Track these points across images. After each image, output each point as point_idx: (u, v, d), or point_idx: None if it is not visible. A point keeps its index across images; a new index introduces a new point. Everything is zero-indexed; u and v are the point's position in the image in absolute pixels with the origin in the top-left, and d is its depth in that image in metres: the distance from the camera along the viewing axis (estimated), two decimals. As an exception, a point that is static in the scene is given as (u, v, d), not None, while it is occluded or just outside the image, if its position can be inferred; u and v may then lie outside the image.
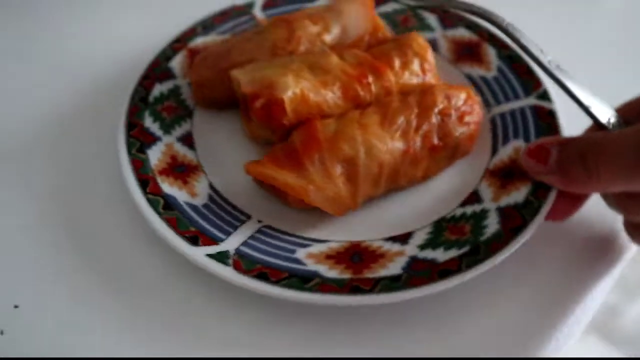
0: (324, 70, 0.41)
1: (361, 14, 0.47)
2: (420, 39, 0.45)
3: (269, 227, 0.39)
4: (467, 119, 0.42)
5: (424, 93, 0.42)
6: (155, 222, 0.37)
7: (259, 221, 0.39)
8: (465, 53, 0.50)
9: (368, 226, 0.39)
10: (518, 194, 0.39)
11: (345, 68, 0.42)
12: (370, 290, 0.34)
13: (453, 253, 0.36)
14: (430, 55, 0.45)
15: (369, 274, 0.35)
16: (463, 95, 0.42)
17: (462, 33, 0.51)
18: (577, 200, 0.39)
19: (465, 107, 0.42)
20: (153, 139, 0.42)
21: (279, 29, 0.45)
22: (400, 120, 0.40)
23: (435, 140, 0.40)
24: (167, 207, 0.38)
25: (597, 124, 0.37)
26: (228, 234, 0.37)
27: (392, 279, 0.34)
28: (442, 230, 0.38)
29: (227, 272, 0.34)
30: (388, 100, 0.41)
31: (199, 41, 0.49)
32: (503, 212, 0.38)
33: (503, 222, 0.37)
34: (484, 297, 0.37)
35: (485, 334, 0.36)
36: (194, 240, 0.36)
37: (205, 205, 0.39)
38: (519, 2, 0.57)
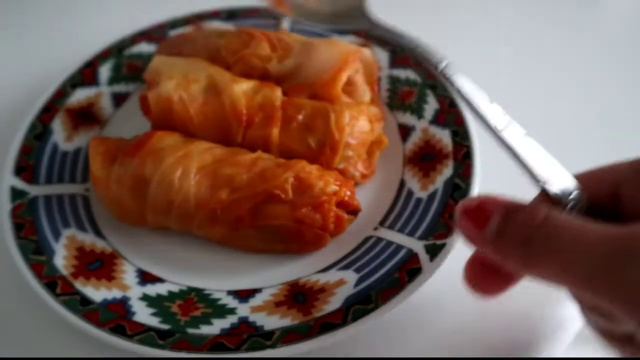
0: (217, 92, 0.39)
1: (327, 64, 0.42)
2: (344, 119, 0.38)
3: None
4: (304, 212, 0.35)
5: (281, 164, 0.37)
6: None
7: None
8: (424, 160, 0.40)
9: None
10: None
11: (238, 102, 0.39)
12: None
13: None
14: (342, 137, 0.38)
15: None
16: (317, 190, 0.35)
17: (441, 136, 0.41)
18: (511, 279, 0.30)
19: (310, 200, 0.35)
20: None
21: (236, 39, 0.43)
22: (227, 173, 0.36)
23: (245, 213, 0.35)
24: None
25: (555, 204, 0.27)
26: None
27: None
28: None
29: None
30: (244, 152, 0.38)
31: (215, 24, 0.51)
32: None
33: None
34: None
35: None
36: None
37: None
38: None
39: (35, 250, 0.36)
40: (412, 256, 0.34)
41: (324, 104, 0.40)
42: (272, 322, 0.32)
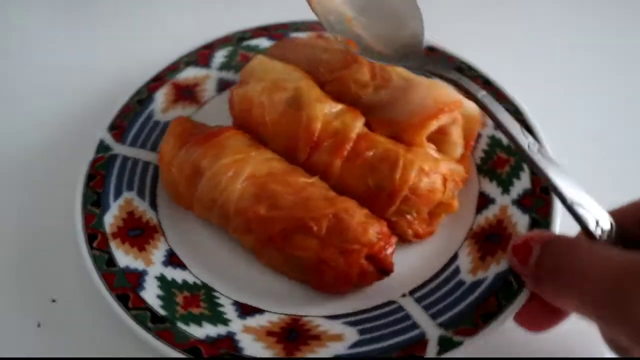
0: (299, 106, 0.39)
1: (420, 107, 0.39)
2: (411, 172, 0.36)
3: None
4: (330, 252, 0.34)
5: (328, 197, 0.35)
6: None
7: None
8: (488, 240, 0.36)
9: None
10: None
11: (314, 121, 0.38)
12: None
13: None
14: (404, 188, 0.36)
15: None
16: (350, 235, 0.34)
17: (518, 221, 0.36)
18: (559, 313, 0.31)
19: (340, 243, 0.34)
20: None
21: (339, 57, 0.42)
22: (274, 189, 0.36)
23: (276, 234, 0.35)
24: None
25: (583, 229, 0.29)
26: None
27: None
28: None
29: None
30: (301, 173, 0.37)
31: (292, 35, 0.50)
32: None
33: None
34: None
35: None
36: None
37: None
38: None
39: (94, 205, 0.39)
40: (420, 341, 0.31)
41: (397, 148, 0.37)
42: (254, 349, 0.32)
